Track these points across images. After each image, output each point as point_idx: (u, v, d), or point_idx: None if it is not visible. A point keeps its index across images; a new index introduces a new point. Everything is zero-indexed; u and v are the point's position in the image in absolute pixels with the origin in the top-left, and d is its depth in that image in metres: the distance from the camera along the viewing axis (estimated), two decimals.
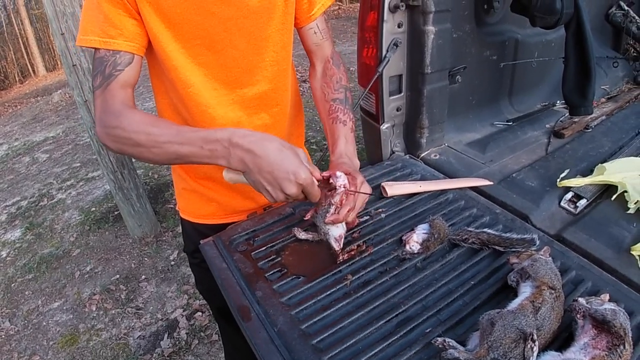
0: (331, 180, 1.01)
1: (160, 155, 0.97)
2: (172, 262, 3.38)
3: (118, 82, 1.02)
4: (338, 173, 1.02)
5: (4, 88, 14.94)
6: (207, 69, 1.13)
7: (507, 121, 2.00)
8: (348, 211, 1.03)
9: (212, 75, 1.14)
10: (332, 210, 1.02)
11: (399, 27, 1.54)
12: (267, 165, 0.90)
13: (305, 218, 1.10)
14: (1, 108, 10.65)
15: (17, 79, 15.75)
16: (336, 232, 1.07)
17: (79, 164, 5.54)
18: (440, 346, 0.84)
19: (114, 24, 1.00)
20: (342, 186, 1.01)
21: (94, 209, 4.33)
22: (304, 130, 1.50)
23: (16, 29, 16.48)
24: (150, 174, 4.78)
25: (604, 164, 1.46)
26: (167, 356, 2.57)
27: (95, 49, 1.03)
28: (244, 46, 1.12)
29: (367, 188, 1.08)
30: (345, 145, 1.19)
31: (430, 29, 1.51)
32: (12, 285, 3.46)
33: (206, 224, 1.41)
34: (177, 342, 2.66)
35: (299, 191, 0.93)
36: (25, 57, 16.36)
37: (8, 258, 3.83)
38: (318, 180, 0.97)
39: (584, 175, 1.48)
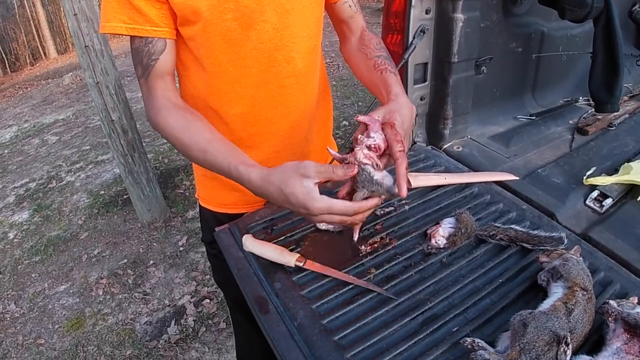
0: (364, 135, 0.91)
1: (191, 160, 1.11)
2: (181, 248, 3.36)
3: (156, 71, 1.05)
4: (374, 129, 0.91)
5: (15, 70, 14.96)
6: (238, 46, 1.08)
7: (530, 115, 1.96)
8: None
9: (244, 53, 1.10)
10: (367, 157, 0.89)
11: (426, 13, 1.49)
12: (291, 205, 0.90)
13: (340, 195, 0.94)
14: (12, 90, 10.66)
15: (28, 61, 15.75)
16: (388, 180, 0.91)
17: (88, 147, 5.53)
18: (469, 347, 0.81)
19: (139, 9, 0.99)
20: (365, 146, 0.90)
21: (103, 192, 4.33)
22: (332, 114, 1.46)
23: (28, 11, 16.47)
24: (160, 159, 4.76)
25: (630, 163, 1.43)
26: (174, 343, 2.56)
27: (131, 38, 1.04)
28: (276, 19, 1.08)
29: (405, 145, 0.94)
30: (401, 89, 1.07)
31: (459, 16, 1.47)
32: (19, 267, 3.45)
33: (227, 213, 1.37)
34: (184, 329, 2.65)
35: (324, 216, 0.89)
36: (37, 39, 16.36)
37: (15, 240, 3.83)
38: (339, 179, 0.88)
39: (609, 173, 1.44)
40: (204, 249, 3.21)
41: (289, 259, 1.01)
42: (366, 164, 0.88)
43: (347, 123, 5.05)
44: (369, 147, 0.89)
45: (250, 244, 1.06)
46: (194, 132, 1.03)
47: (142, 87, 1.09)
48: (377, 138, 0.90)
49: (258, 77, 1.13)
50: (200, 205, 1.46)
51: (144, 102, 1.10)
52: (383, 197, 0.91)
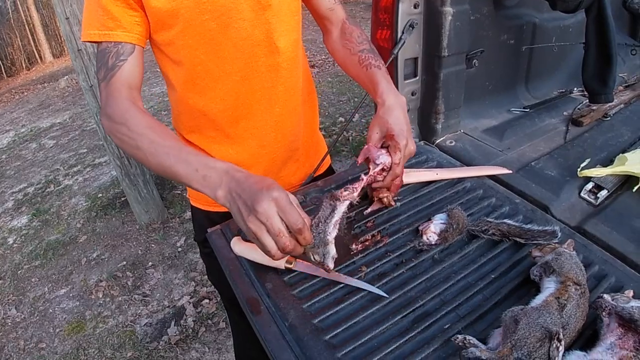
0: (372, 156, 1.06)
1: (154, 165, 0.95)
2: (179, 249, 3.36)
3: (122, 73, 1.01)
4: (377, 153, 1.06)
5: (11, 75, 14.91)
6: (218, 44, 1.10)
7: (524, 107, 1.95)
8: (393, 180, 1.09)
9: (224, 51, 1.11)
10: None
11: (415, 7, 1.48)
12: (247, 186, 0.82)
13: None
14: (8, 94, 10.64)
15: (23, 65, 15.70)
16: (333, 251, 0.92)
17: (85, 150, 5.52)
18: (460, 344, 0.80)
19: (112, 16, 1.01)
20: (381, 164, 1.05)
21: (100, 195, 4.32)
22: (317, 108, 1.47)
23: (22, 15, 16.42)
24: None
25: (625, 154, 1.42)
26: (174, 344, 2.56)
27: (97, 43, 1.04)
28: (253, 16, 1.10)
29: (410, 147, 1.09)
30: (387, 85, 1.15)
31: (448, 10, 1.46)
32: (19, 272, 3.45)
33: (219, 211, 1.37)
34: (184, 330, 2.65)
35: (273, 208, 0.79)
36: (32, 43, 16.31)
37: (15, 245, 3.83)
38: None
39: (604, 165, 1.44)
40: None
41: (278, 262, 1.00)
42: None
43: (343, 119, 5.04)
44: (382, 170, 1.06)
45: (239, 248, 1.05)
46: (167, 136, 0.96)
47: (101, 93, 1.03)
48: (382, 159, 1.05)
49: (239, 73, 1.15)
50: (191, 205, 1.46)
51: (102, 106, 1.03)
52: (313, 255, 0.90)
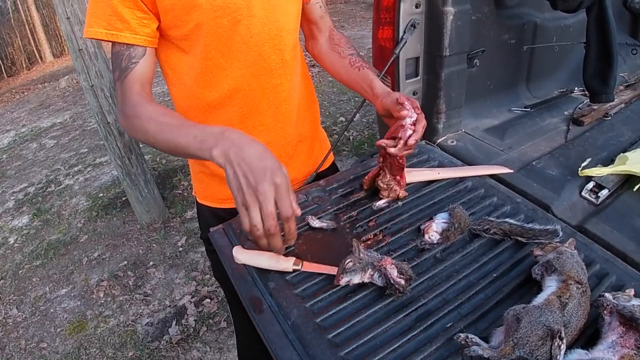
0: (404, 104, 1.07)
1: (162, 144, 0.99)
2: (180, 249, 3.36)
3: (134, 74, 1.06)
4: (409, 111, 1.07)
5: (11, 74, 14.92)
6: (229, 40, 1.13)
7: (525, 107, 1.95)
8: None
9: (234, 47, 1.14)
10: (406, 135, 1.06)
11: (416, 7, 1.48)
12: (248, 157, 0.84)
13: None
14: (8, 94, 10.65)
15: (24, 65, 15.70)
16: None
17: (86, 150, 5.53)
18: (462, 342, 0.80)
19: (120, 16, 1.02)
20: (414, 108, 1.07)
21: (101, 194, 4.32)
22: (317, 105, 1.48)
23: (22, 15, 16.42)
24: (158, 159, 4.75)
25: (626, 154, 1.42)
26: (175, 343, 2.56)
27: (112, 43, 1.06)
28: (262, 14, 1.13)
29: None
30: (382, 84, 1.23)
31: (450, 9, 1.46)
32: (20, 272, 3.46)
33: (226, 208, 1.37)
34: (185, 329, 2.65)
35: (272, 192, 0.81)
36: (32, 43, 16.31)
37: (16, 245, 3.83)
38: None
39: (605, 164, 1.44)
40: (203, 249, 3.21)
41: (286, 264, 1.00)
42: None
43: (344, 119, 5.04)
44: (413, 124, 1.07)
45: (242, 256, 1.04)
46: (171, 116, 1.01)
47: (117, 90, 1.09)
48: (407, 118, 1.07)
49: (249, 69, 1.17)
50: (197, 203, 1.46)
51: (118, 102, 1.09)
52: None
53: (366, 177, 1.25)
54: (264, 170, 0.81)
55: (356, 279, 0.94)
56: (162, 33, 1.12)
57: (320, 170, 1.45)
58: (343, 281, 0.94)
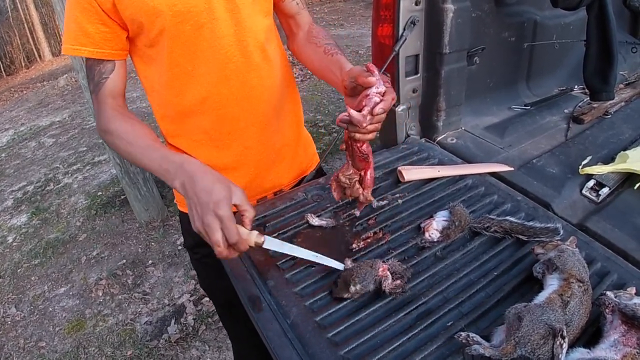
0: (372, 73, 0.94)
1: (132, 162, 1.11)
2: (179, 247, 3.35)
3: (106, 88, 1.11)
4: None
5: (10, 73, 14.90)
6: (193, 45, 1.11)
7: (525, 105, 1.94)
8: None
9: (200, 52, 1.12)
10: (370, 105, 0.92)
11: (416, 4, 1.47)
12: (199, 190, 0.90)
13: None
14: (7, 93, 10.64)
15: (23, 64, 15.69)
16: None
17: (85, 148, 5.52)
18: (464, 341, 0.80)
19: (85, 31, 1.05)
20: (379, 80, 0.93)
21: (100, 193, 4.32)
22: (300, 105, 1.44)
23: (21, 13, 16.39)
24: None
25: (626, 152, 1.42)
26: (174, 342, 2.55)
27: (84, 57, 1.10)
28: (227, 16, 1.11)
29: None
30: (351, 65, 1.11)
31: (449, 7, 1.45)
32: (18, 270, 3.45)
33: None
34: (184, 328, 2.64)
35: (216, 225, 0.87)
36: (31, 42, 16.30)
37: (14, 243, 3.82)
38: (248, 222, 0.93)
39: (605, 162, 1.43)
40: None
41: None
42: None
43: None
44: (381, 93, 0.93)
45: None
46: (140, 136, 1.06)
47: (93, 102, 1.14)
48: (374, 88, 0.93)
49: (217, 74, 1.15)
50: (180, 211, 1.45)
51: (95, 115, 1.14)
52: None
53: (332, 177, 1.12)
54: (208, 204, 0.88)
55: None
56: (131, 42, 1.13)
57: (306, 174, 1.44)
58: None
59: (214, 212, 0.87)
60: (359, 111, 0.91)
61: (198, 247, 1.39)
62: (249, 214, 0.92)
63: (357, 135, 0.94)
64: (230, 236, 0.87)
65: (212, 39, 1.11)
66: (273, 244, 0.97)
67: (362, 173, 1.05)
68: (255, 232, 0.93)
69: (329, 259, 0.99)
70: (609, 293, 0.83)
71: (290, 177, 1.41)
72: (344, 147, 1.03)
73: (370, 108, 0.91)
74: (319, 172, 1.50)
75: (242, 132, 1.24)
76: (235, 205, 0.91)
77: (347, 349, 0.83)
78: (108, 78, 1.10)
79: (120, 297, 2.99)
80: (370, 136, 0.96)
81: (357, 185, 1.06)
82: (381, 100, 0.92)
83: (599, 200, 1.31)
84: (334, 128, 4.77)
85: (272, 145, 1.31)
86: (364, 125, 0.91)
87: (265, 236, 0.95)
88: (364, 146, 0.99)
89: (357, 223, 1.14)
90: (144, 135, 1.06)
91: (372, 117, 0.91)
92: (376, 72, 0.94)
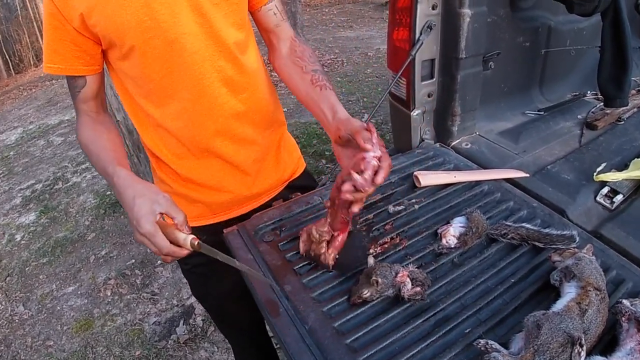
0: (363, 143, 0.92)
1: (95, 167, 1.14)
2: None
3: (79, 100, 1.15)
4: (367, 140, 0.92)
5: (19, 72, 14.95)
6: (167, 61, 1.08)
7: (539, 110, 1.94)
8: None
9: (174, 68, 1.09)
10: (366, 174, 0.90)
11: (433, 8, 1.48)
12: (125, 206, 0.96)
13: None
14: (16, 91, 10.67)
15: (32, 62, 15.74)
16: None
17: None
18: (482, 348, 0.80)
19: (55, 49, 1.08)
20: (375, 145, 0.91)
21: (109, 192, 4.32)
22: (282, 114, 1.40)
23: (31, 12, 16.45)
24: None
25: None
26: (183, 343, 2.55)
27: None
28: (197, 30, 1.07)
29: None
30: (344, 111, 1.11)
31: (466, 11, 1.45)
32: (27, 269, 3.46)
33: (195, 226, 1.32)
34: (192, 329, 2.64)
35: (143, 240, 0.92)
36: (40, 40, 16.36)
37: (22, 242, 3.84)
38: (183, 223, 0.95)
39: (619, 169, 1.43)
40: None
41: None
42: None
43: None
44: (377, 158, 0.91)
45: None
46: (98, 146, 1.10)
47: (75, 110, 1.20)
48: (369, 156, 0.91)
49: (192, 90, 1.12)
50: None
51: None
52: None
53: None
54: (132, 221, 0.93)
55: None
56: (105, 55, 1.13)
57: (292, 177, 1.42)
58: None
59: (139, 231, 0.91)
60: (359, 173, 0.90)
61: (187, 258, 1.38)
62: (178, 219, 0.94)
63: (357, 195, 0.92)
64: (160, 249, 0.91)
65: (184, 54, 1.08)
66: (208, 249, 0.95)
67: (336, 234, 1.03)
68: (191, 237, 0.92)
69: (259, 274, 1.02)
70: (624, 301, 0.83)
71: (272, 181, 1.37)
72: (328, 204, 1.01)
73: (371, 173, 0.90)
74: (306, 177, 1.48)
75: (222, 146, 1.21)
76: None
77: (365, 355, 0.83)
78: (80, 91, 1.14)
79: (128, 297, 3.00)
80: (364, 198, 0.95)
81: (324, 245, 1.03)
82: (379, 167, 0.90)
83: (613, 208, 1.31)
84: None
85: (254, 158, 1.28)
86: (367, 189, 0.90)
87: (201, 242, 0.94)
88: (356, 207, 0.95)
89: (373, 228, 1.14)
90: (101, 144, 1.11)
91: (373, 182, 0.90)
92: (375, 134, 0.93)
